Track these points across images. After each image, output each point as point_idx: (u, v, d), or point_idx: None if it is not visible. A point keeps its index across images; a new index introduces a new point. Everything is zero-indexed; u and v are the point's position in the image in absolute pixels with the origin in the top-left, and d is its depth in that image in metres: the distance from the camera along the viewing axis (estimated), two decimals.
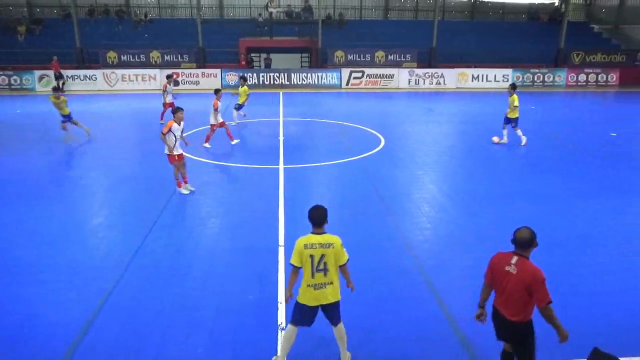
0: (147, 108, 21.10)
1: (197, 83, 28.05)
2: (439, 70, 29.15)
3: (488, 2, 38.82)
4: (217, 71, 28.12)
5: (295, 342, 5.11)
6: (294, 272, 4.95)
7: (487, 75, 29.23)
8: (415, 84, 28.99)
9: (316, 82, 28.63)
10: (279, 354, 5.15)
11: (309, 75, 28.79)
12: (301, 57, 34.68)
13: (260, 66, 33.50)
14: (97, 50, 28.54)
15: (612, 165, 12.92)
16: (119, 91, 27.08)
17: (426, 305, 6.34)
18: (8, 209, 9.55)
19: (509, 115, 14.57)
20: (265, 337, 5.61)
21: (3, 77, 26.67)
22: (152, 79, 27.51)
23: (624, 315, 6.11)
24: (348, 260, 4.95)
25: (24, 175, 12.07)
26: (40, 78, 26.84)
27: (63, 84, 26.62)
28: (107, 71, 27.64)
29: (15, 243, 8.11)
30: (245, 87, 17.37)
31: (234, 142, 14.59)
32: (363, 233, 8.52)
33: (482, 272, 7.08)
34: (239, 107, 17.50)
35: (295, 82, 28.62)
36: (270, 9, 32.78)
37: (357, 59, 30.07)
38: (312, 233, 4.90)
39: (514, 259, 4.42)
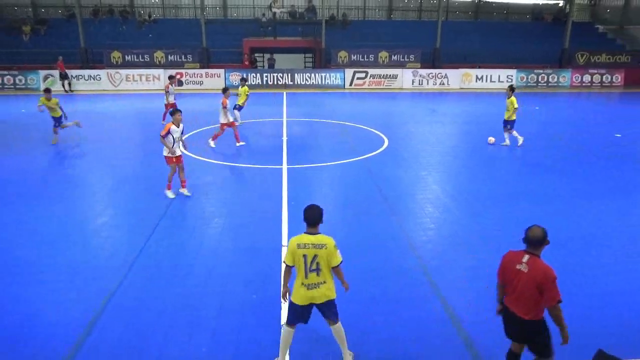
0: (150, 108, 21.13)
1: (200, 83, 28.10)
2: (443, 71, 29.10)
3: (492, 3, 38.75)
4: (221, 71, 28.16)
5: (293, 342, 5.11)
6: (286, 271, 4.96)
7: (491, 76, 29.17)
8: (419, 84, 28.96)
9: (320, 83, 28.64)
10: (279, 355, 5.15)
11: (313, 75, 28.79)
12: (305, 57, 34.71)
13: (263, 66, 33.56)
14: (102, 50, 28.64)
15: (617, 166, 12.87)
16: (123, 91, 27.16)
17: (429, 305, 6.32)
18: (9, 209, 9.57)
19: (507, 118, 14.51)
20: (267, 336, 5.60)
21: (8, 76, 26.78)
22: (156, 79, 27.57)
23: (628, 316, 6.08)
24: (341, 261, 4.89)
25: (27, 175, 12.11)
26: (45, 78, 26.94)
27: (69, 84, 26.74)
28: (111, 71, 27.73)
29: (17, 243, 8.13)
30: (246, 87, 17.36)
31: (240, 143, 14.57)
32: (367, 233, 8.51)
33: (486, 272, 7.10)
34: (239, 108, 17.50)
35: (299, 83, 28.63)
36: (273, 9, 32.83)
37: (360, 59, 30.06)
38: (306, 233, 4.86)
39: (526, 258, 4.42)
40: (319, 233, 4.87)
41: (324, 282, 4.85)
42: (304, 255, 4.76)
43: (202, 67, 28.88)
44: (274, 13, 32.78)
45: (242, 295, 6.53)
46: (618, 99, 26.94)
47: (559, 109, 23.34)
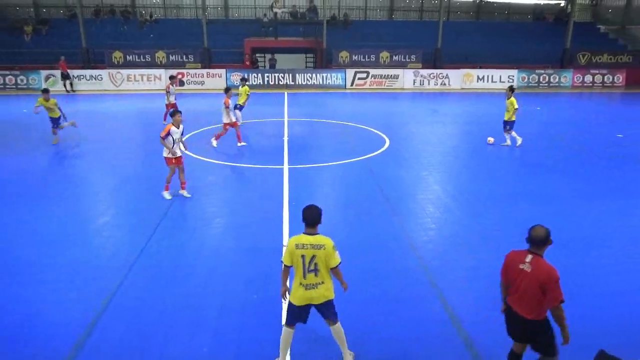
0: (152, 108, 21.16)
1: (202, 83, 28.13)
2: (444, 71, 29.10)
3: (493, 3, 38.74)
4: (222, 71, 28.18)
5: (293, 342, 5.12)
6: (284, 270, 4.98)
7: (492, 76, 29.16)
8: (420, 84, 28.95)
9: (321, 83, 28.65)
10: (279, 356, 5.16)
11: (314, 75, 28.80)
12: (306, 57, 34.71)
13: (265, 66, 33.56)
14: (103, 50, 28.67)
15: (618, 166, 12.86)
16: (125, 91, 27.20)
17: (430, 305, 6.33)
18: (10, 208, 9.60)
19: (507, 119, 14.50)
20: (269, 336, 5.61)
21: (10, 76, 26.83)
22: (157, 79, 27.60)
23: (629, 317, 6.08)
24: (340, 263, 4.88)
25: (28, 174, 12.15)
26: (47, 78, 27.00)
27: (71, 84, 26.78)
28: (113, 71, 27.77)
29: (18, 243, 8.14)
30: (246, 87, 17.36)
31: (241, 143, 14.59)
32: (368, 233, 8.52)
33: (487, 272, 7.11)
34: (240, 108, 17.51)
35: (300, 83, 28.64)
36: (275, 10, 32.85)
37: (361, 59, 30.06)
38: (305, 233, 4.86)
39: (529, 257, 4.42)
40: (318, 234, 4.87)
41: (322, 282, 4.85)
42: (302, 256, 4.76)
43: (203, 67, 28.90)
44: (275, 13, 32.80)
45: (243, 295, 6.55)
46: (620, 99, 26.91)
47: (561, 109, 23.32)
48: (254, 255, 7.64)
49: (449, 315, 6.10)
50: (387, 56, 30.11)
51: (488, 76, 29.15)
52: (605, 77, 30.14)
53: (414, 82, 28.94)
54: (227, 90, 14.49)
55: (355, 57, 29.98)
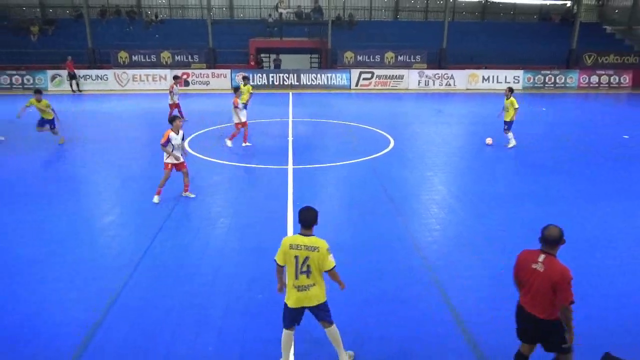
0: (157, 108, 21.22)
1: (207, 83, 28.19)
2: (449, 72, 29.03)
3: (499, 3, 38.60)
4: (227, 72, 28.23)
5: (295, 342, 5.13)
6: (278, 270, 4.99)
7: (497, 77, 29.05)
8: (425, 85, 28.90)
9: (325, 83, 28.65)
10: (282, 357, 5.17)
11: (319, 76, 28.81)
12: (311, 57, 34.73)
13: (269, 67, 33.59)
14: (109, 51, 28.79)
15: (625, 167, 12.80)
16: (130, 91, 27.30)
17: (434, 305, 6.32)
18: (17, 208, 9.66)
19: (508, 119, 14.46)
20: (273, 336, 5.61)
21: (16, 76, 26.97)
22: (162, 79, 27.68)
23: (635, 318, 6.06)
24: (335, 266, 4.84)
25: (34, 174, 12.23)
26: (53, 78, 27.14)
27: (77, 84, 26.91)
28: (119, 71, 27.87)
29: (23, 242, 8.18)
30: (249, 85, 17.37)
31: (246, 144, 14.62)
32: (372, 233, 8.53)
33: (491, 273, 7.11)
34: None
35: (305, 83, 28.66)
36: (280, 10, 32.88)
37: (366, 59, 30.04)
38: (300, 234, 4.85)
39: (542, 257, 4.42)
40: (313, 235, 4.86)
41: (314, 284, 4.82)
42: (296, 257, 4.75)
43: (208, 68, 28.96)
44: (280, 13, 32.83)
45: (247, 294, 6.56)
46: (626, 100, 26.76)
47: (566, 110, 23.22)
48: (258, 255, 7.65)
49: (454, 315, 6.10)
50: (392, 56, 30.07)
51: (493, 77, 29.05)
52: (612, 77, 29.96)
53: (419, 83, 28.89)
54: (236, 90, 14.58)
55: (360, 58, 29.96)
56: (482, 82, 29.03)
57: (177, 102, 17.95)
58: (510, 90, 14.58)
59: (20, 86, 26.95)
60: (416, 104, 24.85)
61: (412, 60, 30.17)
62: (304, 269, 4.75)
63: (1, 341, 5.60)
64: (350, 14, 35.00)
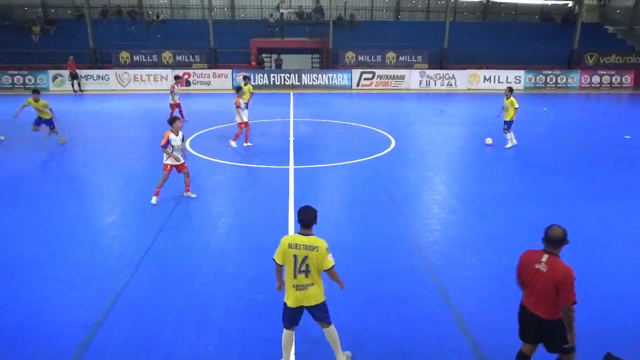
0: (158, 108, 21.22)
1: (208, 83, 28.21)
2: (450, 72, 29.02)
3: (500, 3, 38.58)
4: (228, 72, 28.25)
5: (296, 342, 5.13)
6: (277, 269, 5.00)
7: (499, 77, 29.03)
8: (426, 85, 28.89)
9: (327, 83, 28.65)
10: (283, 358, 5.17)
11: (320, 76, 28.82)
12: (312, 57, 34.74)
13: (271, 67, 33.62)
14: (110, 51, 28.83)
15: (626, 167, 12.78)
16: (131, 91, 27.33)
17: (435, 306, 6.32)
18: (18, 207, 9.67)
19: (508, 119, 14.44)
20: (274, 336, 5.61)
21: (18, 76, 27.02)
22: (163, 79, 27.70)
23: (635, 319, 6.05)
24: (334, 265, 4.85)
25: (36, 173, 12.25)
26: (54, 78, 27.20)
27: (79, 84, 26.94)
28: (120, 71, 27.91)
29: (24, 242, 8.19)
30: (249, 85, 17.38)
31: (247, 144, 14.63)
32: (373, 233, 8.52)
33: (492, 273, 7.10)
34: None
35: (306, 83, 28.66)
36: (281, 10, 32.90)
37: (367, 60, 30.05)
38: (299, 233, 4.86)
39: (545, 257, 4.41)
40: (312, 235, 4.86)
41: (312, 284, 4.82)
42: (295, 256, 4.76)
43: (209, 68, 28.99)
44: (282, 14, 32.85)
45: (248, 294, 6.56)
46: (628, 100, 26.72)
47: (568, 110, 23.20)
48: (259, 255, 7.64)
49: (454, 316, 6.09)
50: (393, 57, 30.07)
51: (495, 77, 29.04)
52: (613, 78, 29.93)
53: (420, 83, 28.88)
54: (238, 90, 14.59)
55: (361, 58, 29.97)
56: (484, 82, 29.01)
57: (177, 102, 17.97)
58: (510, 90, 14.57)
59: (22, 86, 26.99)
60: (417, 104, 24.84)
61: (414, 61, 30.16)
62: (303, 268, 4.76)
63: (2, 341, 5.60)
64: (351, 14, 35.00)
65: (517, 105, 14.29)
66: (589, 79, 29.86)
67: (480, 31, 34.15)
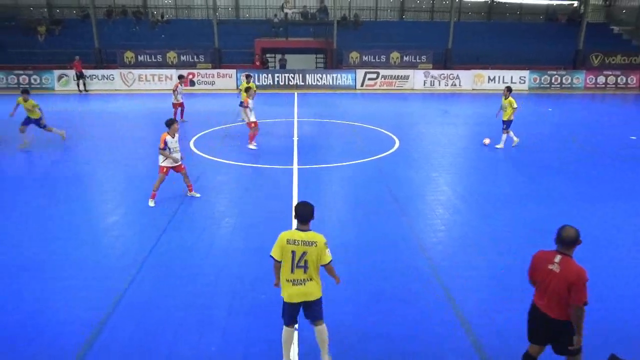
0: (163, 108, 21.22)
1: (212, 83, 28.25)
2: (455, 72, 28.94)
3: (505, 3, 38.45)
4: (233, 72, 28.28)
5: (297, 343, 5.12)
6: (275, 265, 4.95)
7: (503, 77, 28.91)
8: (431, 85, 28.82)
9: (331, 83, 28.63)
10: (283, 356, 5.16)
11: (324, 76, 28.80)
12: (316, 58, 34.73)
13: (275, 67, 33.64)
14: (115, 51, 28.92)
15: (632, 168, 12.71)
16: (136, 91, 27.40)
17: (439, 306, 6.29)
18: (20, 207, 9.71)
19: (506, 119, 14.37)
20: (276, 336, 5.59)
21: (24, 76, 27.14)
22: (168, 79, 27.74)
23: (638, 319, 6.01)
24: (331, 260, 4.86)
25: (38, 173, 12.29)
26: (60, 78, 27.30)
27: (84, 83, 27.04)
28: (125, 71, 27.99)
29: (28, 241, 8.20)
30: (252, 83, 17.37)
31: (252, 145, 14.58)
32: (377, 233, 8.50)
33: (496, 274, 7.06)
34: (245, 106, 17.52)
35: (310, 83, 28.65)
36: (285, 10, 32.90)
37: (372, 60, 30.01)
38: (297, 229, 4.85)
39: (558, 258, 4.39)
40: (310, 230, 4.86)
41: (310, 279, 4.83)
42: (293, 251, 4.75)
43: (214, 68, 29.03)
44: (286, 14, 32.85)
45: (251, 294, 6.56)
46: (633, 101, 26.56)
47: (573, 110, 23.09)
48: (262, 255, 7.57)
49: (458, 316, 6.06)
50: (397, 57, 30.03)
51: (499, 77, 28.92)
52: (619, 78, 29.75)
53: (425, 83, 28.82)
54: (247, 89, 14.59)
55: (365, 58, 29.93)
56: (488, 82, 28.91)
57: (181, 101, 17.99)
58: (509, 89, 14.52)
59: (27, 86, 27.08)
60: (422, 104, 24.79)
61: (418, 61, 30.11)
62: (301, 263, 4.75)
63: (4, 340, 5.61)
64: (355, 14, 34.98)
65: (515, 106, 14.23)
66: (594, 79, 29.70)
67: (484, 31, 34.05)
